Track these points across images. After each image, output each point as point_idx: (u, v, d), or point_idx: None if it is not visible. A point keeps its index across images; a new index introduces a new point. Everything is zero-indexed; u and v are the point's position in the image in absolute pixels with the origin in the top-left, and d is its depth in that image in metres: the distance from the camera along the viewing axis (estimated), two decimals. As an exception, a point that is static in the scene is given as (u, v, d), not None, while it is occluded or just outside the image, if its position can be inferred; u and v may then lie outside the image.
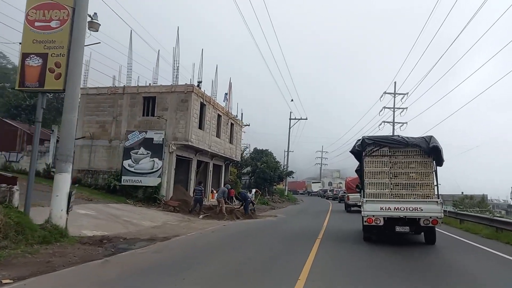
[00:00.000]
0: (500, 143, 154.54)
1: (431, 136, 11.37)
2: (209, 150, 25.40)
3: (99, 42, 11.43)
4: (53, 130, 24.78)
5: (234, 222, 17.88)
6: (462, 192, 45.57)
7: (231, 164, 34.61)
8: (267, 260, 8.63)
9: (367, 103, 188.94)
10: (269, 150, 49.48)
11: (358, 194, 23.02)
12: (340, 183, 77.52)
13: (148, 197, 21.04)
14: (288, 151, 55.75)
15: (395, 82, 40.36)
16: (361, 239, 11.95)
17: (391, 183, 11.33)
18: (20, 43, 10.35)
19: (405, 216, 10.84)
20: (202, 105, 23.70)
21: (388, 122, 41.19)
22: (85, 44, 10.21)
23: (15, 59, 32.51)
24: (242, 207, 21.81)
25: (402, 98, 39.87)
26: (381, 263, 8.77)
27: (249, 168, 44.75)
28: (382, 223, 10.92)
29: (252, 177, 45.04)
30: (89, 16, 10.65)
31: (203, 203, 21.17)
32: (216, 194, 20.62)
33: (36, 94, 10.93)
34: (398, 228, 10.99)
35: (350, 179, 30.96)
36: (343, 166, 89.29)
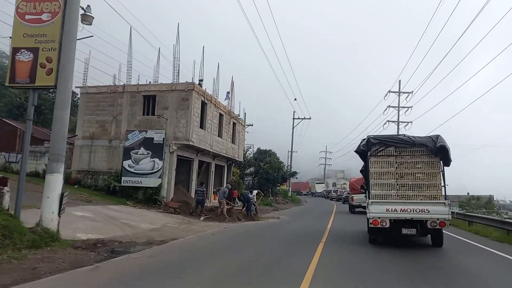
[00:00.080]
0: (506, 142, 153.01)
1: (438, 135, 11.08)
2: (211, 150, 24.98)
3: (92, 36, 11.06)
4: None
5: (236, 224, 17.46)
6: (468, 193, 44.94)
7: (234, 164, 34.19)
8: (269, 263, 8.29)
9: (371, 101, 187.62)
10: (273, 151, 49.11)
11: (362, 195, 22.85)
12: (344, 183, 76.87)
13: (149, 198, 20.65)
14: (291, 151, 55.29)
15: (399, 81, 39.83)
16: (366, 242, 11.62)
17: (397, 184, 11.04)
18: (10, 38, 9.96)
19: (412, 218, 10.52)
20: (203, 104, 23.28)
21: (392, 121, 40.70)
22: (77, 38, 9.79)
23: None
24: (244, 208, 21.45)
25: (406, 97, 39.37)
26: (387, 266, 8.49)
27: (252, 169, 44.32)
28: (388, 225, 10.61)
29: (255, 178, 44.62)
30: (82, 8, 10.26)
31: (205, 204, 20.77)
32: (217, 195, 20.17)
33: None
34: (404, 230, 10.68)
35: (354, 179, 30.58)
36: (347, 167, 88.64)
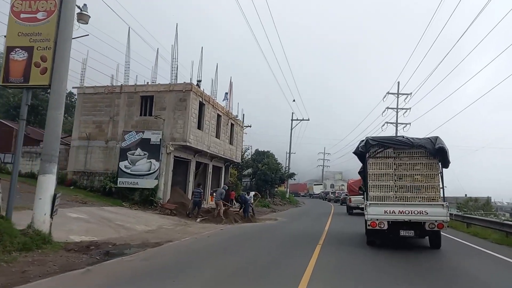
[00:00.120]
0: (504, 143, 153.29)
1: (437, 137, 11.02)
2: (208, 151, 24.81)
3: (88, 35, 10.91)
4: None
5: (233, 226, 17.29)
6: (466, 195, 44.91)
7: (232, 165, 34.02)
8: (265, 266, 8.17)
9: (370, 103, 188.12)
10: (271, 152, 48.86)
11: (360, 196, 22.75)
12: (342, 185, 76.68)
13: (145, 199, 20.45)
14: (289, 153, 55.13)
15: (398, 82, 39.83)
16: (364, 243, 11.55)
17: (395, 186, 11.00)
18: (5, 36, 9.80)
19: (410, 220, 10.49)
20: (201, 105, 23.13)
21: (391, 122, 40.62)
22: (73, 37, 9.64)
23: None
24: (242, 210, 21.30)
25: (405, 99, 39.29)
26: (385, 268, 8.48)
27: (250, 170, 44.12)
28: (386, 227, 10.60)
29: (253, 179, 44.40)
30: (78, 7, 10.10)
31: (202, 205, 20.60)
32: (214, 197, 20.00)
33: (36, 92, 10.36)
34: (402, 232, 10.68)
35: (352, 181, 30.49)
36: (345, 168, 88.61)
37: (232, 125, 30.28)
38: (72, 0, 9.50)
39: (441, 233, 11.20)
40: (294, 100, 56.98)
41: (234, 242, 12.25)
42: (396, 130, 39.62)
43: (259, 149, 48.72)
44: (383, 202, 10.78)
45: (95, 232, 11.77)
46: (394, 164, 11.10)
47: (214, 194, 20.31)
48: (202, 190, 20.66)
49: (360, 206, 24.71)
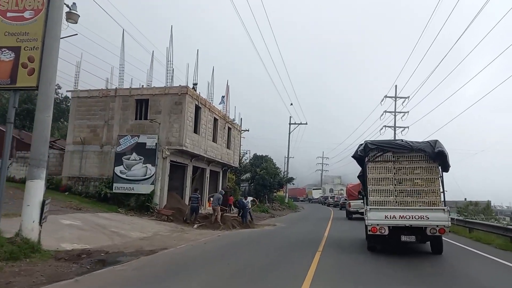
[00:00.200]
0: (502, 146, 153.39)
1: (436, 140, 10.92)
2: (205, 156, 24.48)
3: (76, 34, 10.63)
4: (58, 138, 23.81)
5: (230, 232, 16.94)
6: (465, 198, 44.66)
7: (229, 170, 33.69)
8: (264, 271, 7.94)
9: (368, 106, 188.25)
10: (269, 156, 48.60)
11: (360, 201, 22.50)
12: (341, 189, 76.40)
13: (141, 205, 20.06)
14: (288, 157, 54.87)
15: (396, 86, 39.73)
16: (364, 249, 11.40)
17: (395, 190, 10.87)
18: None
19: (411, 225, 10.32)
20: (197, 108, 22.83)
21: (389, 126, 40.55)
22: (61, 37, 9.34)
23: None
24: (240, 215, 20.97)
25: (403, 102, 39.23)
26: (386, 273, 8.40)
27: (248, 175, 43.79)
28: (387, 232, 10.42)
29: (252, 184, 44.07)
30: (67, 6, 9.80)
31: (199, 211, 20.23)
32: (212, 202, 19.64)
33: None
34: (403, 238, 10.48)
35: (351, 185, 30.23)
36: (344, 172, 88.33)
37: (229, 129, 29.98)
38: (60, -2, 9.20)
39: (443, 238, 11.06)
40: (292, 104, 57.16)
41: (231, 248, 11.91)
42: (394, 133, 39.50)
43: (257, 154, 48.49)
44: (384, 207, 10.65)
45: (88, 239, 11.41)
46: (394, 168, 11.02)
47: (211, 199, 19.93)
48: (199, 196, 20.31)
49: (360, 211, 24.46)
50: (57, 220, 13.37)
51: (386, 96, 39.74)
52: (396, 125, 39.65)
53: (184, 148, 21.01)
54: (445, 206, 10.47)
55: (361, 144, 11.73)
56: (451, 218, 12.66)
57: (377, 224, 10.37)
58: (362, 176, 12.33)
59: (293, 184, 58.85)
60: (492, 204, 44.90)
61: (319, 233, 16.76)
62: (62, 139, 27.70)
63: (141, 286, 6.57)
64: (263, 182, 41.66)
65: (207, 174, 27.28)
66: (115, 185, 20.46)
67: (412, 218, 10.21)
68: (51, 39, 9.08)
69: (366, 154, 11.26)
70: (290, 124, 51.71)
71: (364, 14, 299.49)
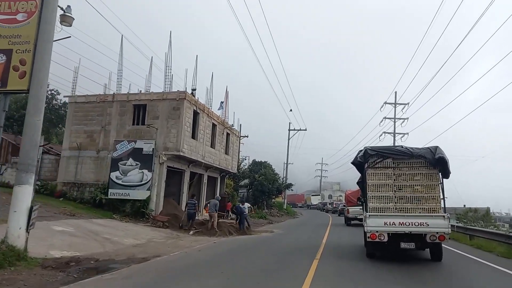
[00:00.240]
0: (501, 153, 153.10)
1: (437, 146, 10.79)
2: (203, 161, 24.21)
3: (70, 36, 10.39)
4: (47, 142, 23.43)
5: (227, 239, 16.62)
6: (464, 205, 44.36)
7: (227, 176, 33.39)
8: (259, 282, 7.72)
9: (367, 113, 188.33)
10: (268, 162, 48.33)
11: (358, 207, 22.28)
12: (340, 196, 76.03)
13: (136, 211, 19.74)
14: (287, 163, 54.62)
15: (395, 92, 39.63)
16: (363, 256, 11.26)
17: (395, 197, 10.74)
18: (-18, 39, 9.28)
19: (411, 232, 10.19)
20: (196, 114, 22.61)
21: (389, 132, 40.37)
22: (54, 39, 9.13)
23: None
24: (237, 222, 20.67)
25: (403, 109, 39.09)
26: (386, 279, 8.35)
27: (247, 181, 43.49)
28: (386, 239, 10.28)
29: (250, 190, 43.75)
30: (62, 9, 9.61)
31: (196, 217, 19.92)
32: (209, 208, 19.33)
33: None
34: (403, 245, 10.36)
35: (349, 192, 30.01)
36: (343, 179, 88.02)
37: (228, 134, 29.75)
38: (53, 0, 9.02)
39: (444, 245, 10.96)
40: (291, 110, 57.14)
41: (226, 256, 11.60)
42: (394, 140, 39.31)
43: (256, 160, 48.22)
44: (383, 214, 10.53)
45: (79, 246, 11.12)
46: (394, 174, 10.91)
47: (208, 206, 19.62)
48: (196, 202, 20.02)
49: (358, 217, 24.22)
50: (49, 226, 13.09)
51: (385, 103, 39.65)
52: (396, 132, 39.50)
53: (181, 154, 20.76)
54: (445, 212, 10.37)
55: (361, 150, 11.63)
56: (451, 225, 12.51)
57: (377, 231, 10.26)
58: (362, 183, 12.24)
59: (292, 190, 58.58)
60: (491, 211, 44.60)
61: (317, 239, 16.50)
62: (60, 144, 27.42)
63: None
64: (261, 188, 41.36)
65: (205, 180, 27.00)
66: (110, 190, 20.17)
67: (412, 225, 10.12)
68: (44, 41, 8.88)
69: (366, 160, 11.16)
70: (289, 130, 51.61)
71: (364, 21, 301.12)
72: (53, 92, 40.07)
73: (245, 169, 44.54)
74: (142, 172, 20.19)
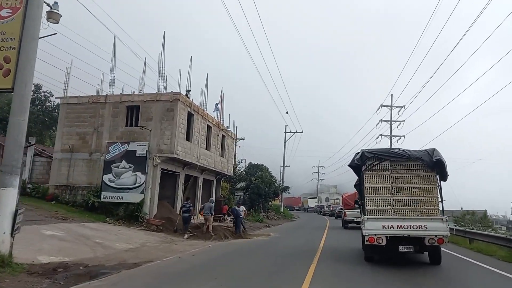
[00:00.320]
0: (497, 155, 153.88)
1: (434, 149, 10.64)
2: (198, 164, 23.87)
3: (55, 33, 10.08)
4: (30, 142, 22.86)
5: (222, 243, 16.28)
6: (462, 208, 44.26)
7: (223, 179, 33.05)
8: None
9: (364, 115, 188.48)
10: (264, 165, 48.00)
11: (355, 210, 22.07)
12: (337, 198, 75.95)
13: (130, 215, 19.35)
14: (283, 166, 54.27)
15: (391, 95, 39.50)
16: (361, 259, 11.10)
17: (393, 199, 10.55)
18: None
19: (409, 235, 10.02)
20: (190, 115, 22.29)
21: (385, 135, 40.18)
22: (40, 36, 8.81)
23: None
24: (233, 225, 20.33)
25: (399, 111, 38.94)
26: (385, 282, 8.26)
27: (243, 184, 43.14)
28: (384, 242, 10.08)
29: (247, 193, 43.39)
30: (48, 5, 9.28)
31: (191, 221, 19.56)
32: (204, 212, 18.98)
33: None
34: (401, 248, 10.20)
35: (347, 195, 29.79)
36: (340, 182, 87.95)
37: (223, 136, 29.45)
38: (39, -5, 8.70)
39: (443, 249, 10.81)
40: (287, 112, 56.82)
41: (221, 261, 11.30)
42: (390, 142, 39.17)
43: (253, 162, 47.86)
44: (381, 217, 10.34)
45: (68, 251, 10.75)
46: (391, 177, 10.73)
47: (203, 209, 19.27)
48: (191, 205, 19.67)
49: (356, 220, 23.99)
50: (38, 230, 12.72)
51: (382, 105, 39.52)
52: (392, 134, 39.36)
53: (175, 156, 20.43)
54: (443, 215, 10.25)
55: (358, 153, 11.47)
56: (450, 228, 12.31)
57: (375, 234, 10.08)
58: (359, 185, 12.10)
59: (289, 193, 58.30)
60: (488, 214, 44.57)
61: (314, 243, 16.24)
62: (53, 147, 26.99)
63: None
64: (258, 191, 40.99)
65: (200, 183, 26.65)
66: (103, 194, 19.79)
67: (410, 228, 9.95)
68: (29, 39, 8.55)
69: (363, 162, 11.01)
70: (285, 132, 51.32)
71: (361, 23, 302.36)
72: (46, 94, 39.61)
73: (242, 171, 44.22)
74: (136, 174, 19.83)
